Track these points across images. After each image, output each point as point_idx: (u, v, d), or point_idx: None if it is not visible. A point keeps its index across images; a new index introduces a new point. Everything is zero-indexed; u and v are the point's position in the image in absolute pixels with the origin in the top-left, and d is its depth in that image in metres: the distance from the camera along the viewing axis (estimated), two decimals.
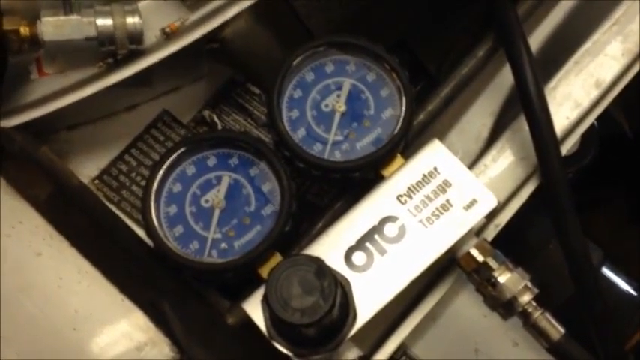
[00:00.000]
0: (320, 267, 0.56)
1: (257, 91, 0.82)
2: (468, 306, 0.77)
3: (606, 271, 0.86)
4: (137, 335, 0.68)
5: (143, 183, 0.76)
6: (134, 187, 0.77)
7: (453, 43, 0.90)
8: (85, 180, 0.75)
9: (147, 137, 0.79)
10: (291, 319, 0.55)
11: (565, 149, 0.73)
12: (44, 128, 0.74)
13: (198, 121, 0.80)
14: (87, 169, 0.77)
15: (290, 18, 0.83)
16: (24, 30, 0.68)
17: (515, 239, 0.72)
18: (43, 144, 0.72)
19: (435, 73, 0.94)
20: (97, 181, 0.77)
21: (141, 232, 0.72)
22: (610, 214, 1.11)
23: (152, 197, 0.66)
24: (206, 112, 0.80)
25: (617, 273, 0.86)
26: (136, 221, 0.76)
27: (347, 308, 0.61)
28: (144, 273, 0.70)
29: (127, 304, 0.69)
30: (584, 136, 0.77)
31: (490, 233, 0.71)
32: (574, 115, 0.74)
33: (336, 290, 0.56)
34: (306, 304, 0.55)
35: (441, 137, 0.70)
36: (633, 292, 0.85)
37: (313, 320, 0.55)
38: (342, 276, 0.62)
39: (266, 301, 0.57)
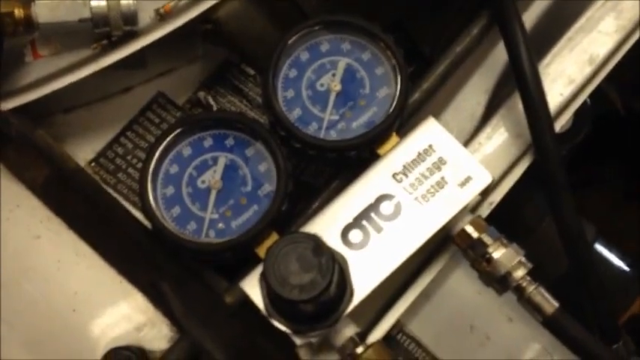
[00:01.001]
0: (318, 244, 0.57)
1: (252, 72, 0.82)
2: (462, 283, 0.78)
3: (599, 247, 0.87)
4: (136, 316, 0.69)
5: (139, 165, 0.77)
6: (130, 170, 0.77)
7: (448, 25, 0.90)
8: (81, 163, 0.76)
9: (142, 119, 0.79)
10: (289, 295, 0.56)
11: (559, 126, 0.74)
12: (40, 111, 0.75)
13: (193, 103, 0.80)
14: (83, 152, 0.77)
15: None
16: (18, 12, 0.68)
17: (508, 217, 0.72)
18: (39, 127, 0.72)
19: (430, 54, 0.94)
20: (93, 164, 0.77)
21: (138, 214, 0.73)
22: (603, 192, 1.12)
23: (149, 178, 0.66)
24: (201, 94, 0.80)
25: (610, 249, 0.87)
26: (133, 203, 0.76)
27: (344, 285, 0.62)
28: (142, 254, 0.70)
29: (126, 285, 0.69)
30: (577, 114, 0.77)
31: (484, 211, 0.72)
32: (568, 91, 0.74)
33: (333, 267, 0.56)
34: (305, 281, 0.56)
35: (436, 115, 0.70)
36: (626, 268, 0.86)
37: (311, 296, 0.55)
38: (339, 253, 0.63)
39: (264, 278, 0.57)
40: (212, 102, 0.80)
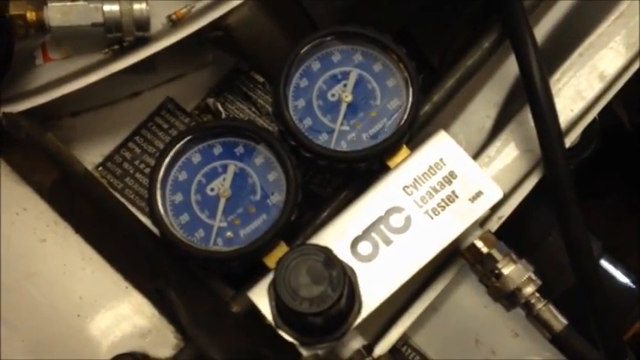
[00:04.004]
0: (329, 257, 0.56)
1: (261, 79, 0.82)
2: (468, 297, 0.77)
3: (605, 263, 0.87)
4: (141, 322, 0.69)
5: (147, 171, 0.76)
6: (138, 175, 0.77)
7: (455, 35, 0.90)
8: (89, 167, 0.75)
9: (151, 125, 0.79)
10: (299, 308, 0.55)
11: (568, 142, 0.74)
12: (48, 114, 0.74)
13: (202, 110, 0.80)
14: (90, 156, 0.77)
15: (293, 6, 0.83)
16: (30, 15, 0.68)
17: (515, 231, 0.72)
18: (48, 130, 0.72)
19: (438, 64, 0.94)
20: (100, 168, 0.76)
21: (145, 220, 0.72)
22: (607, 206, 1.12)
23: (158, 185, 0.66)
24: (210, 101, 0.80)
25: (615, 265, 0.87)
26: (140, 209, 0.76)
27: (353, 298, 0.61)
28: (148, 260, 0.70)
29: (131, 291, 0.69)
30: (586, 129, 0.77)
31: (493, 225, 0.71)
32: (578, 107, 0.74)
33: (344, 280, 0.56)
34: (315, 294, 0.55)
35: (445, 128, 0.69)
36: (631, 285, 0.86)
37: (322, 309, 0.55)
38: (348, 266, 0.62)
39: (274, 289, 0.57)
40: (221, 109, 0.80)
